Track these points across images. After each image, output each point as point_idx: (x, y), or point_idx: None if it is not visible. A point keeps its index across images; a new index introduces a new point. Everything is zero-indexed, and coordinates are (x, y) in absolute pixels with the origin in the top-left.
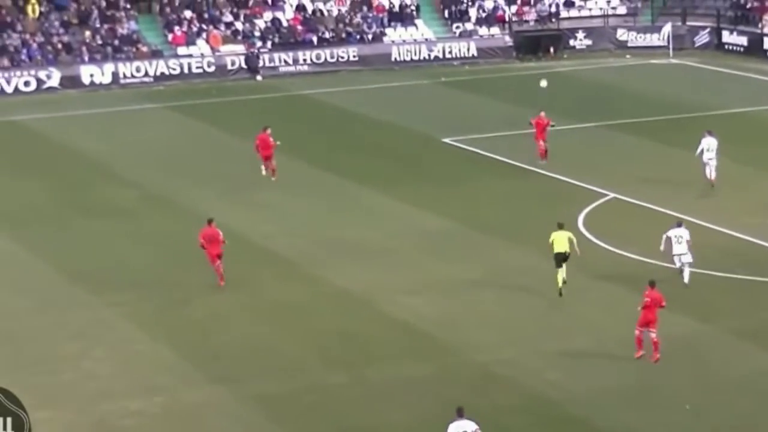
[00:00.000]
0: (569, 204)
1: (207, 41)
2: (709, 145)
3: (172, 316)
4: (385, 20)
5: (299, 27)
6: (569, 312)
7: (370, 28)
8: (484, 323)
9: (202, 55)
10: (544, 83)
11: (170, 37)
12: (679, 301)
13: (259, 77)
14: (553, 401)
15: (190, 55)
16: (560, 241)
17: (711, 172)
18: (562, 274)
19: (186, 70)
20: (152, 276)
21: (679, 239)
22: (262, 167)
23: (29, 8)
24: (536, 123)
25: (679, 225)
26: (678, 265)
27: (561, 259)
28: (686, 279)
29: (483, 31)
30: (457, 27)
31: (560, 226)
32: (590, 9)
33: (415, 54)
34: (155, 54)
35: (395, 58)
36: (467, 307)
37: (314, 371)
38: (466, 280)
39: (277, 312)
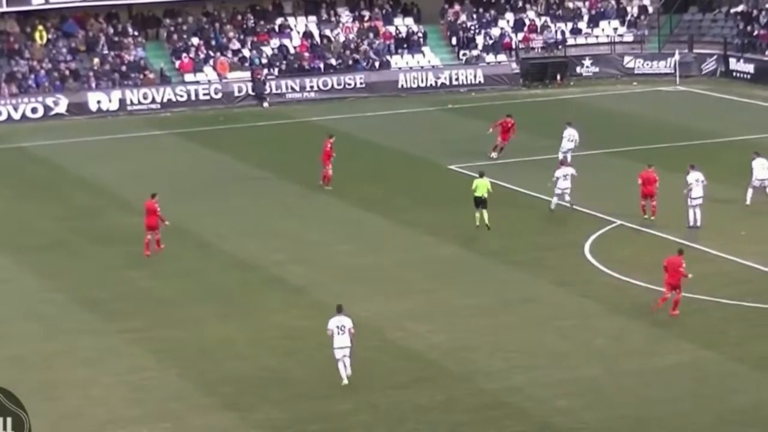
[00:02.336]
0: (576, 231)
1: (214, 68)
2: (696, 180)
3: (181, 342)
4: (392, 47)
5: (306, 54)
6: (577, 340)
7: (377, 55)
8: (492, 350)
9: (209, 82)
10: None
11: (177, 63)
12: (685, 327)
13: (266, 104)
14: (562, 429)
15: (197, 82)
16: (480, 187)
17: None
18: (484, 216)
19: (193, 97)
20: (161, 303)
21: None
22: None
23: (37, 35)
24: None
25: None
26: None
27: (479, 202)
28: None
29: (490, 58)
30: (464, 54)
31: (481, 175)
32: (597, 36)
33: (422, 81)
34: (162, 81)
35: (402, 85)
36: (475, 335)
37: (321, 398)
38: (474, 307)
39: (285, 339)
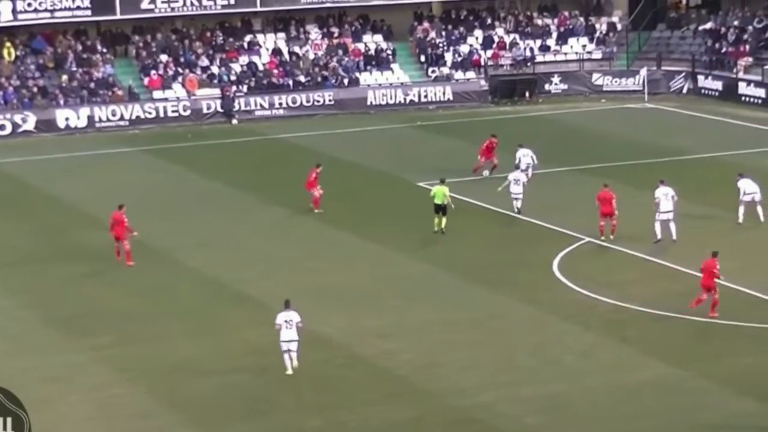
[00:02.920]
0: (544, 248)
1: (183, 85)
2: (665, 195)
3: (149, 360)
4: (361, 64)
5: (275, 71)
6: (547, 357)
7: (346, 72)
8: (462, 367)
9: (178, 99)
10: (486, 173)
11: (146, 80)
12: (654, 344)
13: (234, 121)
14: None
15: (166, 99)
16: (438, 194)
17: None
18: (441, 221)
19: (162, 114)
20: (129, 320)
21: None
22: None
23: (5, 52)
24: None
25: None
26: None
27: (438, 209)
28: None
29: (459, 75)
30: (433, 71)
31: (442, 181)
32: (566, 53)
33: (391, 98)
34: (131, 98)
35: (371, 102)
36: (445, 351)
37: (290, 415)
38: (443, 323)
39: (253, 356)
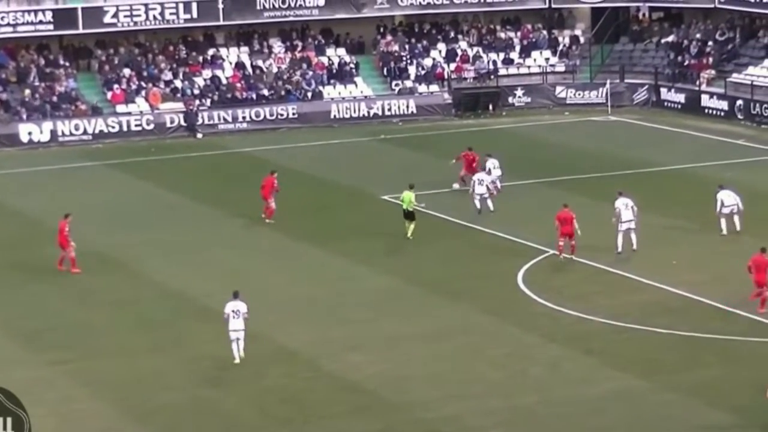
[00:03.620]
0: (508, 260)
1: (146, 99)
2: (624, 205)
3: (113, 374)
4: (325, 78)
5: (238, 84)
6: (512, 369)
7: (309, 85)
8: (428, 380)
9: (141, 113)
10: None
11: (109, 95)
12: (619, 356)
13: (199, 135)
14: None
15: (129, 113)
16: (405, 200)
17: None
18: (409, 226)
19: (125, 128)
20: (93, 334)
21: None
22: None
23: None
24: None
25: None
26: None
27: (407, 215)
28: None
29: (422, 88)
30: (396, 84)
31: (410, 187)
32: (529, 66)
33: (355, 111)
34: (94, 112)
35: (335, 116)
36: (411, 364)
37: (256, 429)
38: (408, 336)
39: (218, 369)
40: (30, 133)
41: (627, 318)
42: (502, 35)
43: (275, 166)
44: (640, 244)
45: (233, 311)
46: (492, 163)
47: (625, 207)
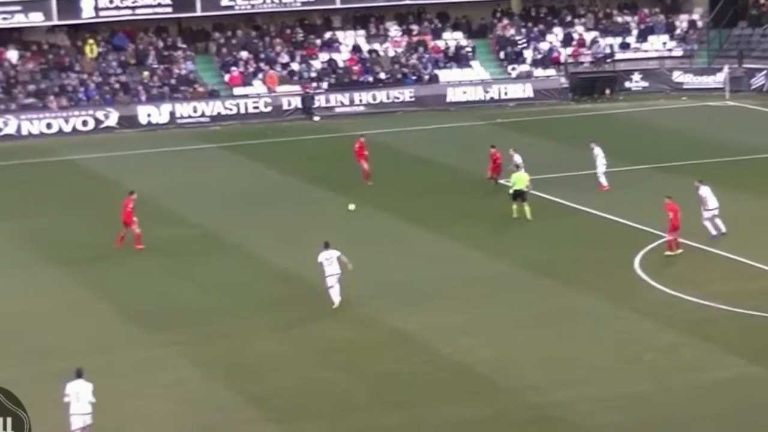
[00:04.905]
0: (624, 245)
1: (263, 82)
2: (705, 194)
3: (226, 355)
4: (441, 61)
5: (355, 68)
6: (626, 355)
7: (425, 69)
8: (540, 365)
9: (259, 96)
10: (351, 207)
11: (227, 77)
12: (735, 343)
13: (316, 118)
14: None
15: (247, 96)
16: (519, 181)
17: (719, 225)
18: (522, 208)
19: (242, 111)
20: (205, 315)
21: None
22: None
23: (87, 48)
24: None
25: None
26: None
27: (516, 196)
28: None
29: (539, 72)
30: (513, 68)
31: (518, 167)
32: (646, 51)
33: (471, 95)
34: (212, 94)
35: (450, 99)
36: (523, 349)
37: (369, 412)
38: (522, 320)
39: (331, 352)
40: (149, 115)
41: (745, 304)
42: (619, 19)
43: (390, 149)
44: (758, 233)
45: (326, 259)
46: (598, 151)
47: (710, 195)
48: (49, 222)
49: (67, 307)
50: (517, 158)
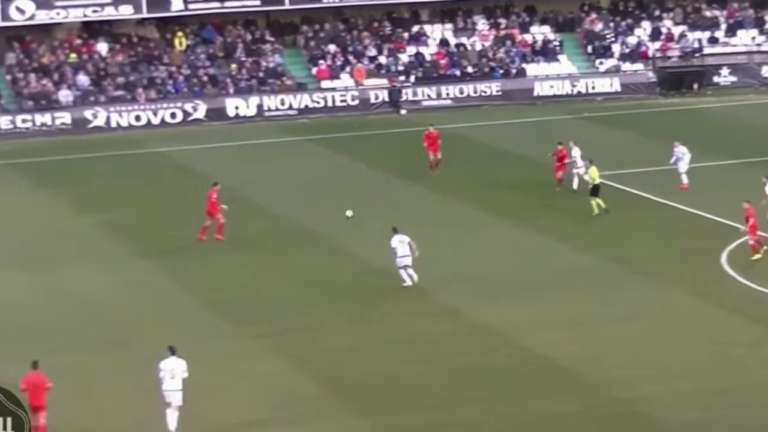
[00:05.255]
0: (711, 240)
1: (351, 75)
2: None
3: (311, 348)
4: (528, 55)
5: (442, 61)
6: (713, 350)
7: (513, 62)
8: (627, 360)
9: (346, 89)
10: (349, 213)
11: (314, 70)
12: None
13: (402, 111)
14: None
15: (334, 89)
16: (594, 175)
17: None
18: (600, 203)
19: (329, 104)
20: (293, 308)
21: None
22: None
23: (176, 41)
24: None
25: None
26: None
27: (592, 191)
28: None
29: (626, 66)
30: (600, 63)
31: (591, 162)
32: (735, 45)
33: (558, 89)
34: (299, 87)
35: (537, 93)
36: (608, 343)
37: (453, 405)
38: (606, 315)
39: (415, 345)
40: (236, 108)
41: None
42: (708, 14)
43: (477, 143)
44: None
45: (400, 242)
46: (681, 150)
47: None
48: (138, 214)
49: (156, 299)
50: (575, 152)
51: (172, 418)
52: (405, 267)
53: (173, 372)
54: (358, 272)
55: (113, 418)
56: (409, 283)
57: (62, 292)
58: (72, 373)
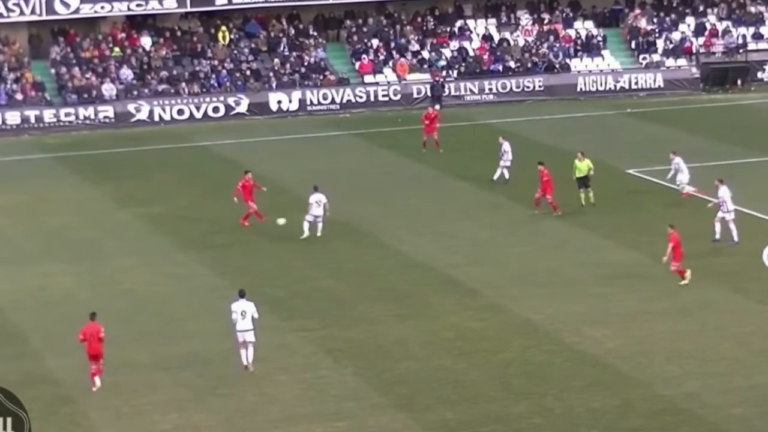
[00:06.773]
0: (753, 237)
1: (394, 70)
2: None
3: (356, 342)
4: (572, 50)
5: (485, 56)
6: (755, 347)
7: (556, 58)
8: (667, 357)
9: (389, 84)
10: (281, 221)
11: (357, 65)
12: None
13: (437, 106)
14: None
15: (377, 83)
16: (582, 168)
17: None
18: (588, 194)
19: (372, 98)
20: (337, 302)
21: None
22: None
23: (220, 35)
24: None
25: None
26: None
27: (581, 183)
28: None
29: (670, 62)
30: (644, 58)
31: (582, 154)
32: None
33: (601, 84)
34: (342, 82)
35: (581, 89)
36: (650, 340)
37: (495, 400)
38: (649, 311)
39: (460, 340)
40: (279, 102)
41: None
42: (752, 9)
43: (520, 138)
44: None
45: (316, 201)
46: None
47: (729, 197)
48: (182, 207)
49: (202, 292)
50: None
51: (248, 354)
52: (311, 222)
53: (244, 312)
54: (403, 267)
55: (151, 413)
56: (306, 234)
57: (107, 285)
58: (113, 367)
